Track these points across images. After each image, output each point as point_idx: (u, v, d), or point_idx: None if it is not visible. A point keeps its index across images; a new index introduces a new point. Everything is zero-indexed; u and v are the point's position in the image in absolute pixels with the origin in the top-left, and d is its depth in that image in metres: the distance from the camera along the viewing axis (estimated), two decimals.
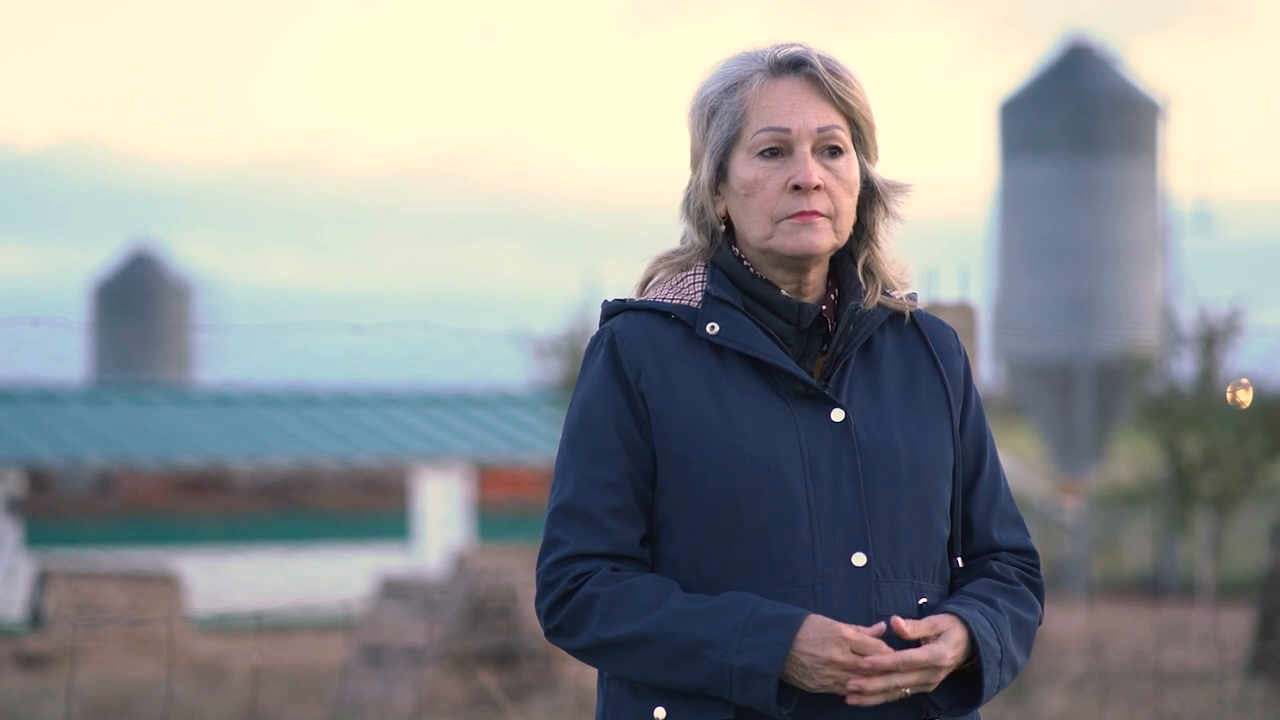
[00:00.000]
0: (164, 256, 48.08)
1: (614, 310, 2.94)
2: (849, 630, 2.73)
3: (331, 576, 25.50)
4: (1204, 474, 22.00)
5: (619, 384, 2.85)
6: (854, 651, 2.72)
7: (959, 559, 2.94)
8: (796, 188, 2.84)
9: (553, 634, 2.86)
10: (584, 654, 2.85)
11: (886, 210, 2.93)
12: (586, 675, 13.12)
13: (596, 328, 2.95)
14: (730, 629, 2.73)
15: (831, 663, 2.72)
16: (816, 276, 2.90)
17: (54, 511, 27.29)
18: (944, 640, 2.76)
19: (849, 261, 2.94)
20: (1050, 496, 31.30)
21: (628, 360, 2.85)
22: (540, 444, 29.86)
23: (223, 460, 28.14)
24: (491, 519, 29.15)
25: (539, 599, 2.86)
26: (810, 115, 2.86)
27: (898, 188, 2.94)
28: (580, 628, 2.82)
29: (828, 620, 2.73)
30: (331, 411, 30.74)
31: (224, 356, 38.54)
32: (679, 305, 2.89)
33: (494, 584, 13.46)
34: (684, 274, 2.93)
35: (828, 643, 2.72)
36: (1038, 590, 2.97)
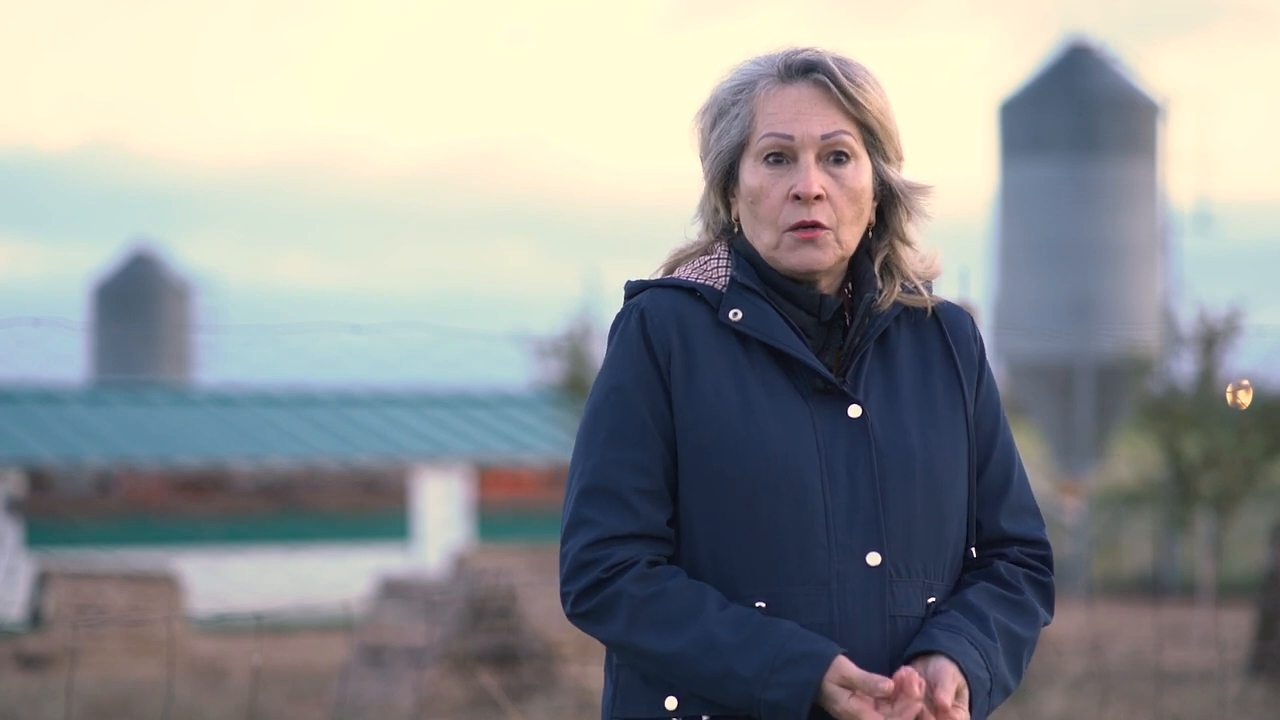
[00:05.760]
0: (164, 256, 48.08)
1: (639, 288, 2.92)
2: (862, 679, 2.73)
3: (331, 576, 25.49)
4: (1204, 474, 21.99)
5: (650, 363, 2.84)
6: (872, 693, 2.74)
7: (972, 549, 2.94)
8: (797, 197, 2.83)
9: (577, 618, 2.85)
10: (609, 645, 2.86)
11: (910, 211, 2.92)
12: (586, 675, 13.12)
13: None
14: (760, 665, 2.73)
15: (847, 710, 2.73)
16: (827, 282, 2.89)
17: (54, 511, 27.29)
18: (961, 701, 2.77)
19: (865, 257, 2.92)
20: (1050, 496, 31.28)
21: (657, 339, 2.84)
22: (540, 444, 29.85)
23: (223, 460, 28.13)
24: (491, 519, 29.15)
25: (568, 580, 2.84)
26: (815, 122, 2.84)
27: (918, 189, 2.92)
28: (607, 622, 2.82)
29: (851, 666, 2.74)
30: (331, 411, 30.74)
31: (224, 356, 38.54)
32: (704, 285, 2.88)
33: (494, 584, 13.46)
34: (705, 258, 2.93)
35: (844, 693, 2.73)
36: (1046, 591, 2.97)
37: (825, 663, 2.72)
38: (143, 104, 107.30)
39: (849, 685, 2.72)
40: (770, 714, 2.73)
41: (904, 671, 2.73)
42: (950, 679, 2.76)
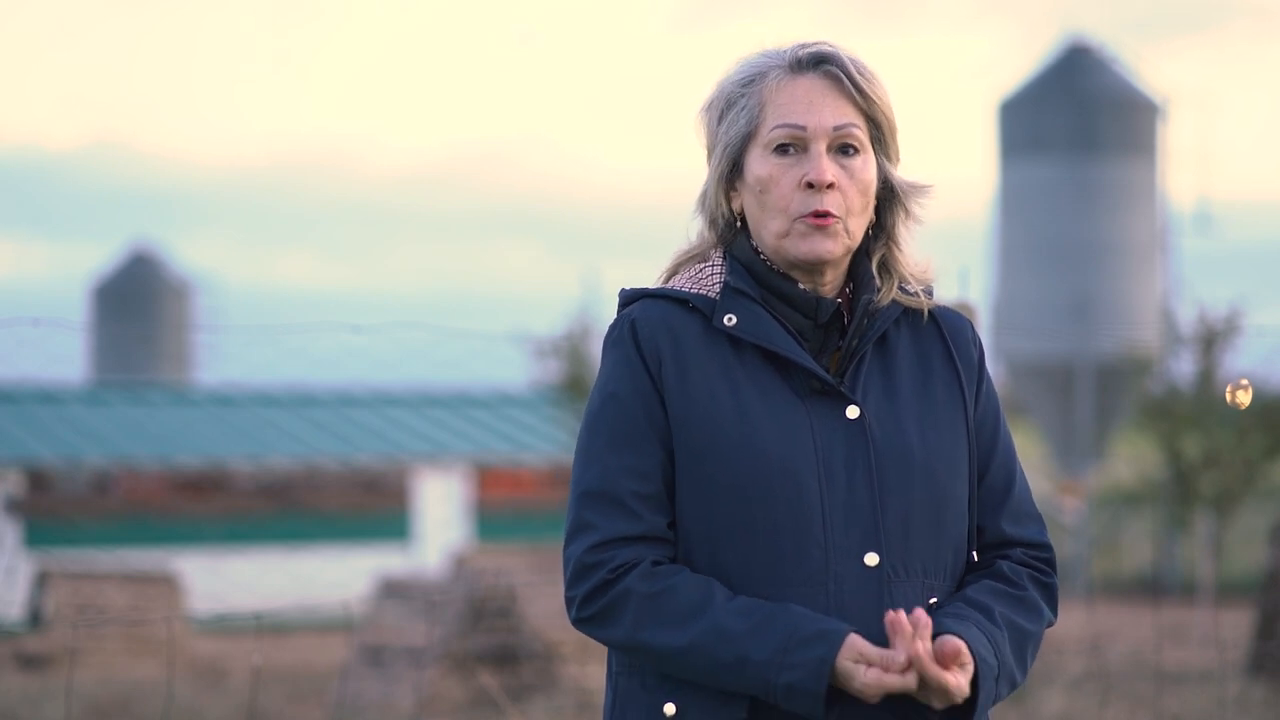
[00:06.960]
0: (164, 256, 48.09)
1: (632, 298, 2.92)
2: (879, 655, 2.71)
3: (331, 576, 25.49)
4: (1204, 474, 21.99)
5: (643, 370, 2.84)
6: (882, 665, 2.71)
7: (973, 553, 2.92)
8: (810, 185, 2.83)
9: (583, 623, 2.83)
10: (618, 647, 2.84)
11: (907, 211, 2.92)
12: (586, 675, 13.12)
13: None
14: (774, 648, 2.72)
15: (866, 685, 2.71)
16: (832, 276, 2.89)
17: (54, 511, 27.30)
18: (965, 671, 2.74)
19: (864, 257, 2.92)
20: (1050, 496, 31.27)
21: (648, 348, 2.84)
22: (540, 444, 29.86)
23: (223, 460, 28.14)
24: (491, 519, 29.15)
25: (572, 585, 2.83)
26: (827, 113, 2.84)
27: (918, 189, 2.93)
28: (615, 623, 2.80)
29: (865, 643, 2.72)
30: (331, 411, 30.74)
31: (224, 356, 38.53)
32: (697, 295, 2.87)
33: (494, 584, 13.46)
34: (701, 265, 2.92)
35: (860, 668, 2.70)
36: (1050, 591, 2.94)
37: (839, 640, 2.70)
38: (144, 104, 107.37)
39: (865, 660, 2.70)
40: (786, 696, 2.71)
41: (890, 614, 2.71)
42: (955, 640, 2.73)
